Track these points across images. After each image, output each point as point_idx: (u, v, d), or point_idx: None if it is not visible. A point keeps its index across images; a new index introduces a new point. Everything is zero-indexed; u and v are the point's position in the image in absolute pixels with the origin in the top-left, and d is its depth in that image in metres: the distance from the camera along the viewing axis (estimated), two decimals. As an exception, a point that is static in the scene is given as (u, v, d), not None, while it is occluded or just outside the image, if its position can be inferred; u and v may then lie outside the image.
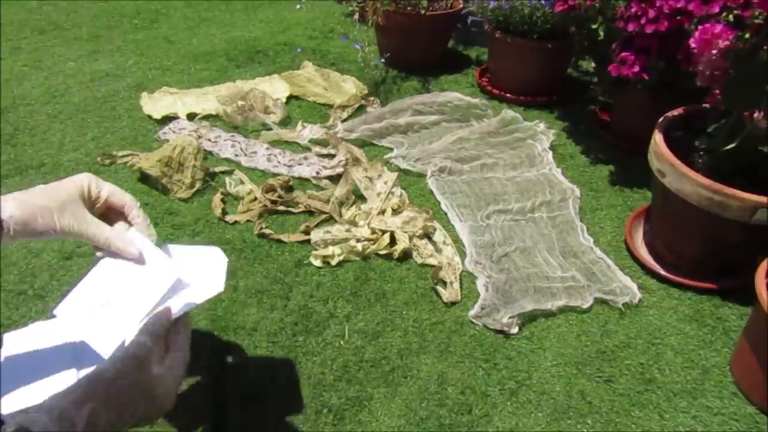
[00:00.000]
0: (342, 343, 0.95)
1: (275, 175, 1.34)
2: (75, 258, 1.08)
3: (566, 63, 1.76)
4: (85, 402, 0.48)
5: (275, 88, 1.70)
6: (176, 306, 0.61)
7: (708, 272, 1.07)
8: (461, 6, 1.84)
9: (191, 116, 1.56)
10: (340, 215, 1.22)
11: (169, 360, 0.58)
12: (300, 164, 1.38)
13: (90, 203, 0.62)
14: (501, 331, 0.97)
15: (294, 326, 0.97)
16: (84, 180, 0.61)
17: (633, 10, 1.20)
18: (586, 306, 1.03)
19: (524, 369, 0.92)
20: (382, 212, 1.21)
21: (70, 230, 0.59)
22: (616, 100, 1.55)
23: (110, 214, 0.65)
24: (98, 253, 0.64)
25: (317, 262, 1.10)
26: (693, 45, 0.97)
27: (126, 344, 0.56)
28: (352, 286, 1.06)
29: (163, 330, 0.58)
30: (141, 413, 0.52)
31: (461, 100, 1.60)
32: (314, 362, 0.91)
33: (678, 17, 1.14)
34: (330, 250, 1.11)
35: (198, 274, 0.65)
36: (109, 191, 0.63)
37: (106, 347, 0.60)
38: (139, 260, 0.65)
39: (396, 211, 1.22)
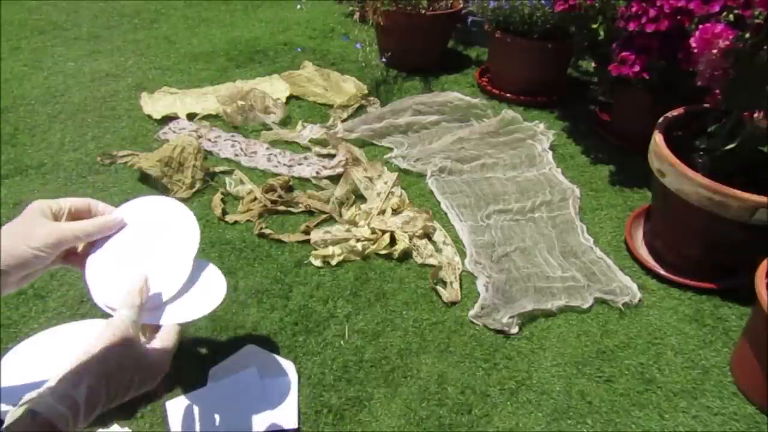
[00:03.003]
0: (342, 343, 0.95)
1: (275, 175, 1.34)
2: (75, 258, 1.08)
3: (566, 63, 1.76)
4: (80, 380, 0.52)
5: (275, 88, 1.70)
6: (168, 318, 0.64)
7: (708, 272, 1.07)
8: (461, 6, 1.84)
9: (191, 116, 1.56)
10: (340, 215, 1.22)
11: (160, 330, 0.62)
12: (300, 164, 1.38)
13: (56, 219, 0.64)
14: (501, 331, 0.97)
15: (294, 326, 0.97)
16: (37, 203, 0.63)
17: (634, 9, 1.20)
18: (586, 306, 1.03)
19: (524, 369, 0.92)
20: (382, 212, 1.21)
21: (51, 241, 0.60)
22: (616, 100, 1.55)
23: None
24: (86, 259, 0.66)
25: (317, 262, 1.10)
26: (693, 45, 0.97)
27: (112, 319, 0.59)
28: (352, 286, 1.06)
29: (142, 298, 0.61)
30: (139, 379, 0.56)
31: (461, 100, 1.60)
32: (314, 362, 0.91)
33: (678, 16, 1.15)
34: (330, 250, 1.11)
35: (196, 289, 0.68)
36: (68, 201, 0.65)
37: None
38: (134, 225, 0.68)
39: (396, 211, 1.22)
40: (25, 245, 0.58)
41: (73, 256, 0.68)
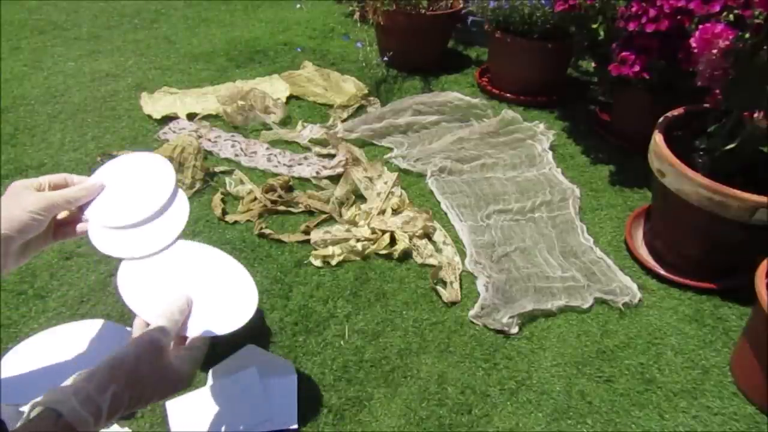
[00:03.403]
0: (342, 343, 0.95)
1: (275, 175, 1.34)
2: (75, 258, 1.08)
3: (566, 63, 1.76)
4: (107, 386, 0.52)
5: (275, 88, 1.70)
6: (197, 329, 0.65)
7: (708, 272, 1.07)
8: (461, 6, 1.84)
9: (191, 116, 1.56)
10: (340, 215, 1.22)
11: (190, 343, 0.63)
12: (300, 164, 1.38)
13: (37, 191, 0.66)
14: (501, 331, 0.97)
15: (294, 326, 0.97)
16: (18, 182, 0.65)
17: (634, 9, 1.20)
18: (586, 306, 1.03)
19: (524, 369, 0.92)
20: (382, 212, 1.21)
21: (43, 205, 0.63)
22: (616, 100, 1.55)
23: None
24: (80, 225, 0.70)
25: (317, 262, 1.10)
26: (693, 45, 0.97)
27: (148, 328, 0.61)
28: (352, 286, 1.06)
29: (182, 317, 0.62)
30: (160, 392, 0.57)
31: (461, 100, 1.60)
32: (314, 362, 0.91)
33: (678, 16, 1.15)
34: (330, 250, 1.11)
35: (227, 303, 0.70)
36: (46, 177, 0.68)
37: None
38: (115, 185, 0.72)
39: (396, 211, 1.22)
40: (21, 210, 0.61)
41: (64, 229, 0.70)
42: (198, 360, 0.63)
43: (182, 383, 0.59)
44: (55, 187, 0.67)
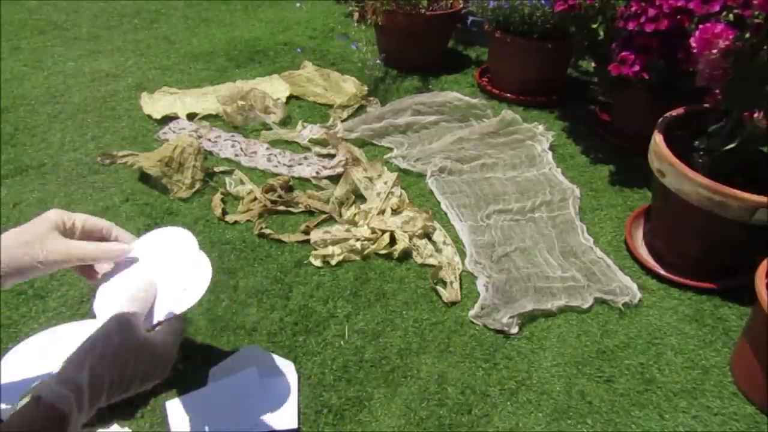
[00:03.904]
0: (342, 343, 0.95)
1: (275, 175, 1.34)
2: (75, 258, 1.08)
3: (566, 63, 1.76)
4: (83, 365, 0.51)
5: (275, 88, 1.70)
6: (162, 312, 0.64)
7: (708, 272, 1.07)
8: (461, 6, 1.84)
9: (191, 116, 1.56)
10: (340, 215, 1.22)
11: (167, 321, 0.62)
12: (300, 164, 1.38)
13: (66, 234, 0.63)
14: (501, 331, 0.97)
15: (294, 326, 0.97)
16: (54, 214, 0.63)
17: (633, 8, 1.20)
18: (586, 306, 1.03)
19: (524, 369, 0.92)
20: (382, 212, 1.21)
21: (55, 258, 0.60)
22: (616, 100, 1.55)
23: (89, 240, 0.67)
24: (98, 278, 0.67)
25: (317, 262, 1.10)
26: (693, 44, 0.97)
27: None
28: (352, 286, 1.06)
29: (146, 296, 0.62)
30: (144, 371, 0.56)
31: (461, 100, 1.60)
32: (314, 362, 0.91)
33: (678, 16, 1.15)
34: (330, 249, 1.11)
35: (181, 280, 0.67)
36: (83, 218, 0.65)
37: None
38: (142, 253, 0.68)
39: (396, 211, 1.22)
40: (28, 255, 0.59)
41: (85, 268, 0.68)
42: (177, 331, 0.61)
43: (167, 355, 0.58)
44: (87, 234, 0.64)
